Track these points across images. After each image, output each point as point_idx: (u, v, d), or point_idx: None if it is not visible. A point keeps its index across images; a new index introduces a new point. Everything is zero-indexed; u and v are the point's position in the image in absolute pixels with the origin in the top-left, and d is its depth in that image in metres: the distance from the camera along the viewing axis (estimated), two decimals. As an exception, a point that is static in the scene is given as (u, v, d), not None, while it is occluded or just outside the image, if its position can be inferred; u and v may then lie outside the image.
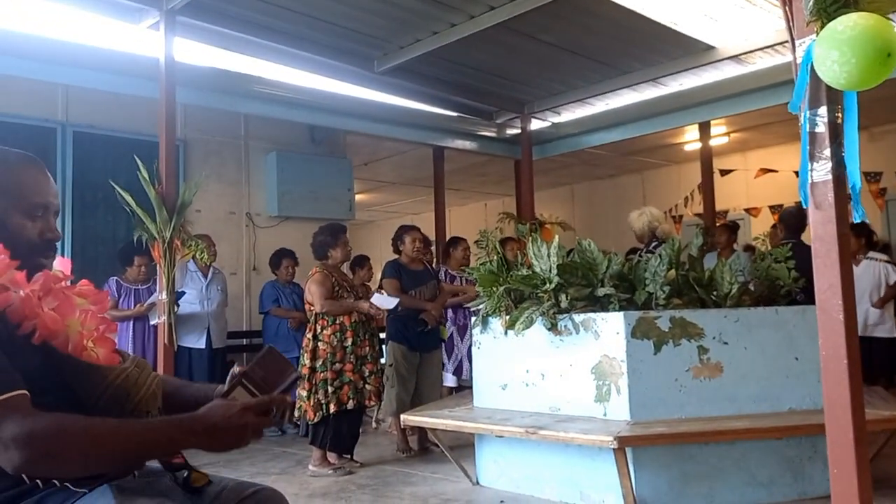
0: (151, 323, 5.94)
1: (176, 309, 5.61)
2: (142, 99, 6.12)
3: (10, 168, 1.55)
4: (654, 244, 5.44)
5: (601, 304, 4.08)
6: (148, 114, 6.11)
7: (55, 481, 1.39)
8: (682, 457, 3.73)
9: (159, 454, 1.42)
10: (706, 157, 8.84)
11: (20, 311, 1.40)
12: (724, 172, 10.01)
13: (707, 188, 8.82)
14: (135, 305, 6.08)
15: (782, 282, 4.30)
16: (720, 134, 9.69)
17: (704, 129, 8.72)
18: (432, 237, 7.98)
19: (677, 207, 10.58)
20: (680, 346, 3.85)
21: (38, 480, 1.38)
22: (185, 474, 1.52)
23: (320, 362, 4.88)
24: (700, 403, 3.84)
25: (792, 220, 5.45)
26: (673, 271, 4.03)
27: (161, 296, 5.52)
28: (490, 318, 4.51)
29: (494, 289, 4.39)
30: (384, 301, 5.14)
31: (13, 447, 1.23)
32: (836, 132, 2.31)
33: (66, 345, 1.44)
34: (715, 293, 4.10)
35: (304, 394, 4.89)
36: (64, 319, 1.45)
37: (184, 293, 6.08)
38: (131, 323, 6.04)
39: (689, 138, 9.77)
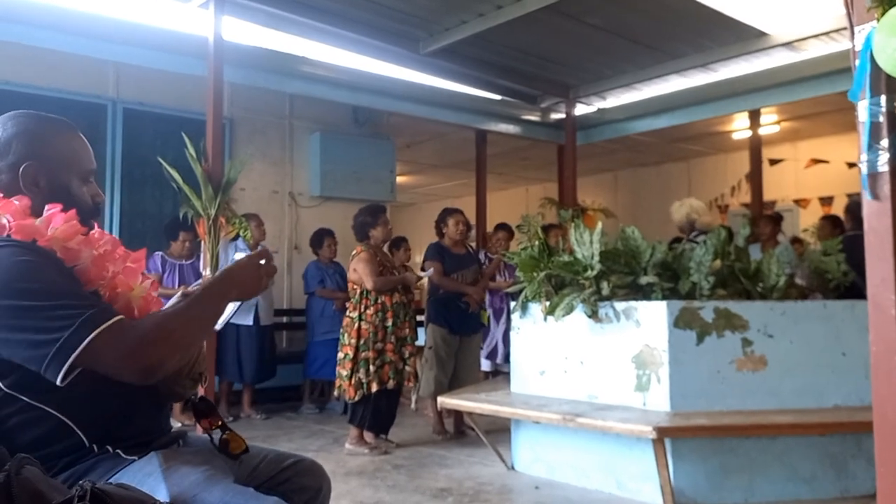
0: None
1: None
2: (190, 77, 6.19)
3: (63, 136, 1.59)
4: (694, 235, 5.37)
5: (643, 293, 4.03)
6: (195, 92, 6.18)
7: (108, 447, 1.44)
8: (722, 449, 3.69)
9: (215, 315, 1.53)
10: (755, 146, 8.66)
11: (89, 272, 1.47)
12: (773, 162, 9.80)
13: (755, 178, 8.65)
14: (179, 281, 6.18)
15: (831, 275, 4.21)
16: (770, 122, 9.47)
17: (754, 117, 8.54)
18: (473, 221, 7.96)
19: (723, 197, 10.41)
20: (723, 337, 3.80)
21: (93, 445, 1.43)
22: (222, 435, 1.61)
23: (362, 341, 4.92)
24: (742, 396, 3.78)
25: (860, 212, 5.30)
26: (718, 261, 3.96)
27: (205, 272, 5.60)
28: (530, 304, 4.49)
29: (535, 274, 4.36)
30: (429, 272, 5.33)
31: (141, 352, 1.35)
32: (894, 122, 2.24)
33: (130, 310, 1.49)
34: (761, 285, 4.02)
35: (345, 373, 4.93)
36: (130, 284, 1.50)
37: None
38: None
39: (738, 126, 9.58)
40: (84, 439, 1.43)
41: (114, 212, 6.80)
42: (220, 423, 1.65)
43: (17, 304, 1.33)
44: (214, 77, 5.64)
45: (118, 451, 1.45)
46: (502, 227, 6.71)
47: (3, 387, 1.38)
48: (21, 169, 1.50)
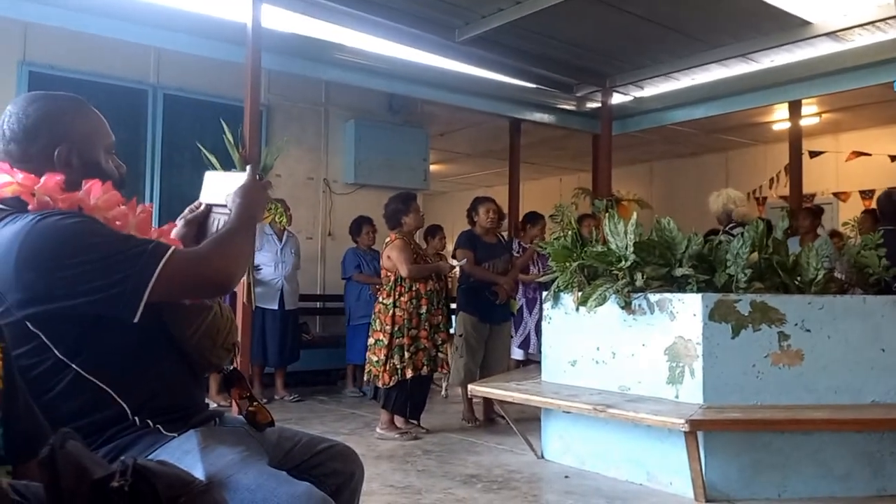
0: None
1: (256, 275, 5.77)
2: (227, 64, 6.26)
3: (83, 113, 1.64)
4: (730, 226, 5.30)
5: (678, 285, 3.99)
6: (233, 79, 6.24)
7: (148, 421, 1.48)
8: (756, 444, 3.65)
9: (253, 232, 1.69)
10: (795, 138, 8.50)
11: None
12: (813, 154, 9.60)
13: (794, 170, 8.48)
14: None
15: (871, 270, 4.12)
16: (811, 114, 9.28)
17: (795, 108, 8.36)
18: (505, 211, 7.93)
19: (762, 189, 10.23)
20: (759, 331, 3.75)
21: (136, 418, 1.47)
22: (250, 406, 1.67)
23: (397, 328, 4.95)
24: (777, 391, 3.73)
25: (888, 207, 5.19)
26: (756, 254, 3.90)
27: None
28: (562, 294, 4.48)
29: (568, 264, 4.35)
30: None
31: (208, 266, 1.50)
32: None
33: None
34: (799, 279, 3.96)
35: (376, 358, 4.97)
36: None
37: (259, 267, 6.23)
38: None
39: (778, 117, 9.40)
40: (127, 410, 1.46)
41: (154, 193, 6.91)
42: (248, 393, 1.72)
43: (84, 259, 1.38)
44: (252, 64, 5.68)
45: (158, 426, 1.49)
46: (535, 217, 6.66)
47: (57, 353, 1.42)
48: (55, 152, 1.53)
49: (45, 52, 6.34)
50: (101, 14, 5.63)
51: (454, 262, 5.32)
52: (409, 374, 4.88)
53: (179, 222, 1.75)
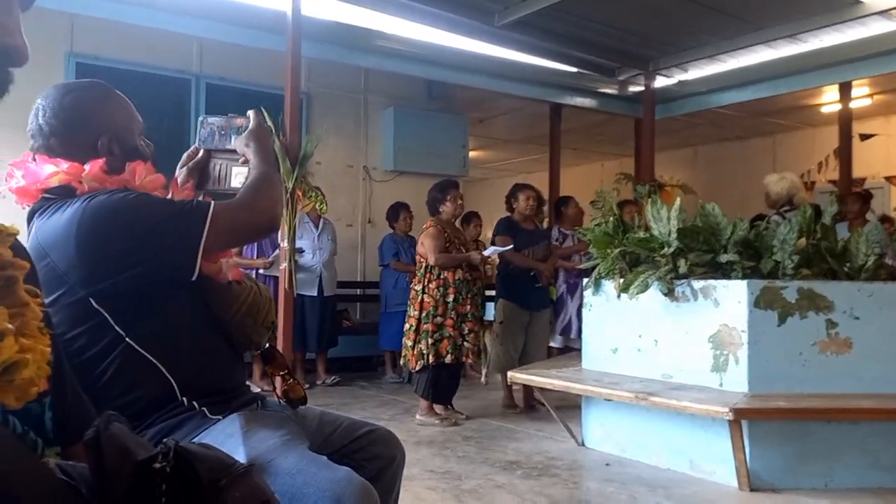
0: (272, 273, 6.20)
1: (298, 259, 5.83)
2: (268, 52, 6.31)
3: (114, 101, 1.66)
4: (785, 209, 5.19)
5: (723, 272, 3.92)
6: (274, 67, 6.29)
7: (194, 402, 1.52)
8: (801, 433, 3.58)
9: (276, 173, 1.73)
10: (845, 120, 8.28)
11: None
12: (864, 137, 9.35)
13: (844, 153, 8.27)
14: (256, 252, 6.35)
15: (925, 256, 4.01)
16: (862, 95, 9.00)
17: (845, 89, 8.14)
18: (546, 197, 7.88)
19: (810, 173, 9.99)
20: (806, 318, 3.67)
21: (184, 398, 1.52)
22: (285, 384, 1.73)
23: (424, 314, 4.98)
24: (824, 380, 3.65)
25: None
26: (803, 240, 3.81)
27: (283, 244, 5.73)
28: (603, 281, 4.43)
29: (609, 251, 4.30)
30: (498, 249, 5.25)
31: (251, 210, 1.58)
32: None
33: (218, 272, 1.62)
34: (848, 265, 3.86)
35: (409, 343, 5.01)
36: None
37: (302, 250, 6.30)
38: (253, 271, 6.33)
39: (828, 99, 9.15)
40: (175, 388, 1.51)
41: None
42: (284, 370, 1.78)
43: (139, 229, 1.47)
44: (292, 52, 5.72)
45: (203, 408, 1.53)
46: (565, 200, 6.62)
47: (116, 328, 1.48)
48: (98, 143, 1.57)
49: (91, 43, 6.47)
50: (146, 5, 5.72)
51: (487, 252, 5.28)
52: (431, 359, 4.91)
53: (181, 171, 1.77)
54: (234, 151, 1.74)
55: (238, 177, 1.73)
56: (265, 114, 1.89)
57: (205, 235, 1.49)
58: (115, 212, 1.46)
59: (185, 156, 1.79)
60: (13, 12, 0.70)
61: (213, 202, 1.55)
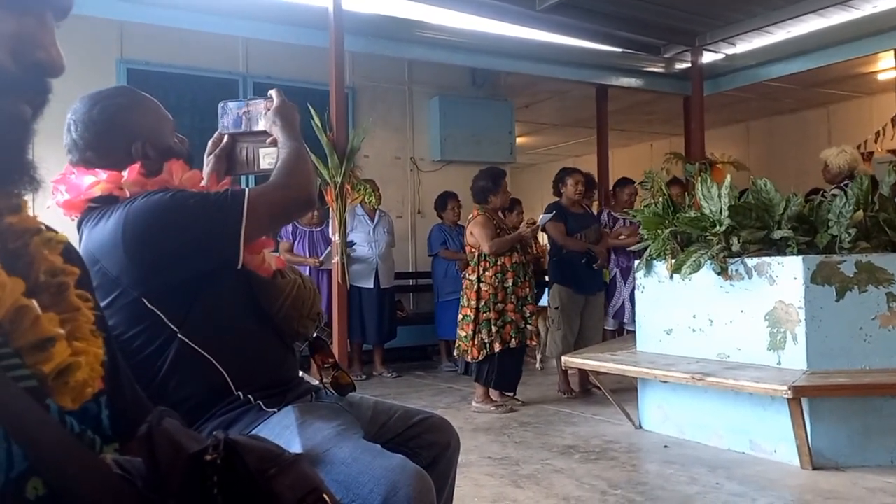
0: (325, 267, 6.28)
1: (351, 253, 5.90)
2: (312, 49, 6.38)
3: (144, 102, 1.70)
4: (845, 183, 5.06)
5: (777, 248, 3.85)
6: (318, 63, 6.36)
7: (250, 396, 1.57)
8: (865, 409, 3.49)
9: (305, 149, 1.73)
10: (903, 87, 7.99)
11: None
12: (924, 103, 9.00)
13: (903, 121, 7.99)
14: (308, 247, 6.45)
15: None
16: (921, 60, 8.68)
17: (902, 55, 7.86)
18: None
19: (867, 143, 9.66)
20: (866, 292, 3.57)
21: (239, 392, 1.56)
22: (334, 372, 1.76)
23: (483, 303, 4.97)
24: (888, 354, 3.55)
25: None
26: (861, 212, 3.71)
27: (334, 238, 5.81)
28: (655, 262, 4.39)
29: (660, 231, 4.25)
30: (546, 217, 5.31)
31: (286, 188, 1.62)
32: None
33: (261, 264, 1.66)
34: (909, 236, 3.74)
35: (464, 334, 5.01)
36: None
37: (354, 243, 6.35)
38: (305, 268, 6.42)
39: (884, 66, 8.83)
40: (230, 382, 1.56)
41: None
42: (332, 359, 1.81)
43: (182, 224, 1.52)
44: (336, 47, 5.78)
45: (259, 402, 1.56)
46: (624, 182, 6.53)
47: (171, 325, 1.53)
48: (132, 149, 1.62)
49: (140, 48, 6.63)
50: (192, 9, 5.85)
51: (537, 223, 5.23)
52: (497, 347, 4.90)
53: (208, 159, 1.79)
54: (258, 134, 1.75)
55: (266, 158, 1.75)
56: (312, 110, 1.91)
57: (244, 222, 1.52)
58: (155, 212, 1.51)
59: (210, 143, 1.80)
60: (47, 25, 0.72)
61: (247, 188, 1.58)
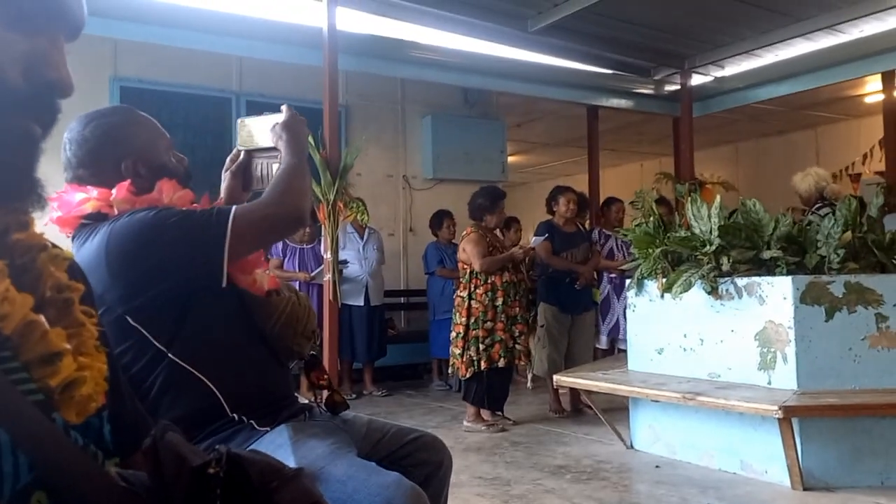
0: (316, 281, 6.28)
1: (343, 269, 5.90)
2: (306, 67, 6.41)
3: (138, 120, 1.71)
4: (818, 206, 5.11)
5: (767, 268, 3.88)
6: (312, 82, 6.39)
7: (244, 416, 1.56)
8: (855, 430, 3.51)
9: (304, 166, 1.72)
10: (890, 110, 8.09)
11: None
12: (910, 126, 9.10)
13: (890, 143, 8.08)
14: (299, 264, 6.45)
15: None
16: (907, 83, 8.79)
17: (888, 79, 7.96)
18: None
19: (855, 165, 9.77)
20: (855, 313, 3.60)
21: (234, 414, 1.55)
22: (328, 392, 1.75)
23: (473, 320, 4.98)
24: (877, 375, 3.58)
25: None
26: (849, 233, 3.74)
27: (326, 255, 5.81)
28: (646, 281, 4.41)
29: (650, 250, 4.28)
30: (538, 239, 5.37)
31: (279, 209, 1.60)
32: None
33: (252, 283, 1.66)
34: (897, 257, 3.78)
35: (458, 351, 5.02)
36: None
37: (346, 261, 6.35)
38: (295, 283, 6.42)
39: (871, 90, 8.96)
40: (223, 402, 1.55)
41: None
42: (325, 377, 1.80)
43: (164, 242, 1.51)
44: (329, 66, 5.81)
45: (252, 421, 1.56)
46: (611, 200, 6.59)
47: (157, 344, 1.52)
48: (122, 167, 1.62)
49: (133, 66, 6.64)
50: (185, 27, 5.87)
51: (529, 245, 5.30)
52: (483, 365, 4.90)
53: (226, 175, 1.81)
54: (273, 150, 1.77)
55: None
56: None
57: (227, 240, 1.51)
58: (137, 230, 1.50)
59: (228, 159, 1.83)
60: (58, 46, 0.74)
61: (234, 206, 1.57)
